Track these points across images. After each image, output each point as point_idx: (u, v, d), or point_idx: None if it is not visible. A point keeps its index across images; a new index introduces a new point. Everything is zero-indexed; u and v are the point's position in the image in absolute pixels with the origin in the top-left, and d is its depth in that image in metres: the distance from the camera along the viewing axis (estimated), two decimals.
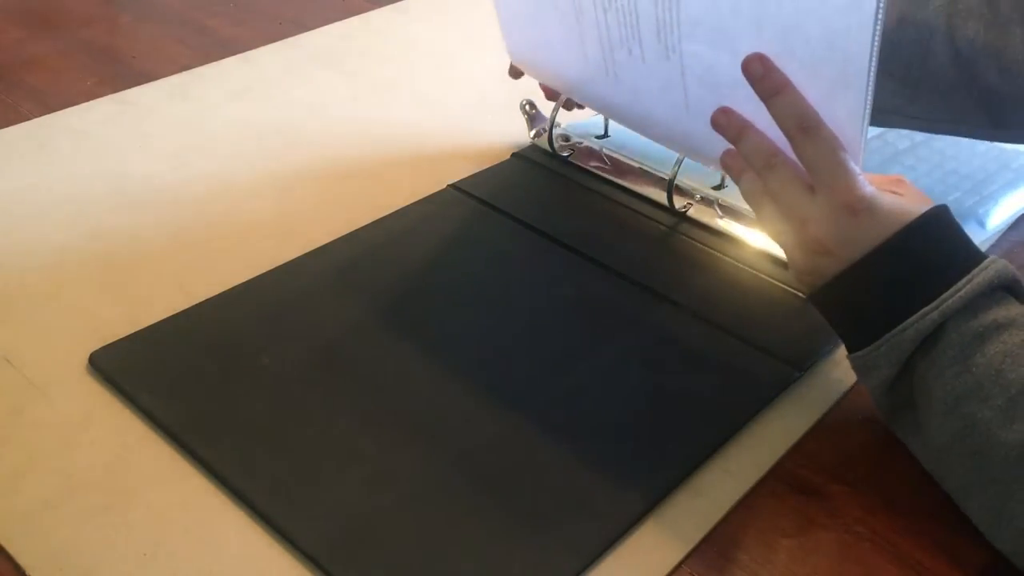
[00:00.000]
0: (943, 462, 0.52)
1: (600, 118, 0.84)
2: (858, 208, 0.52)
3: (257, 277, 0.67)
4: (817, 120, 0.53)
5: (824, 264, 0.54)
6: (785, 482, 0.55)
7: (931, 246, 0.52)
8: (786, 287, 0.68)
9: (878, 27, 0.49)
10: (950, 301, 0.50)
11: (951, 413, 0.50)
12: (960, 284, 0.51)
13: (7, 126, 0.85)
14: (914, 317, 0.51)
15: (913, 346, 0.51)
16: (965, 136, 0.71)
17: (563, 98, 0.79)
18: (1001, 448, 0.48)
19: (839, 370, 0.62)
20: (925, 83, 0.67)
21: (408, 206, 0.76)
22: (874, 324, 0.53)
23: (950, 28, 0.65)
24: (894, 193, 0.54)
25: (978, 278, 0.51)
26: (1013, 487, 0.48)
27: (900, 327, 0.51)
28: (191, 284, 0.67)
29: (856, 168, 0.53)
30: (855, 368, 0.55)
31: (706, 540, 0.52)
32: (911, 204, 0.53)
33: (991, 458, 0.49)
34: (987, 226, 0.74)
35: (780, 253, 0.70)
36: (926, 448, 0.53)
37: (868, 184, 0.53)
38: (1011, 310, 0.51)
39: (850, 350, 0.55)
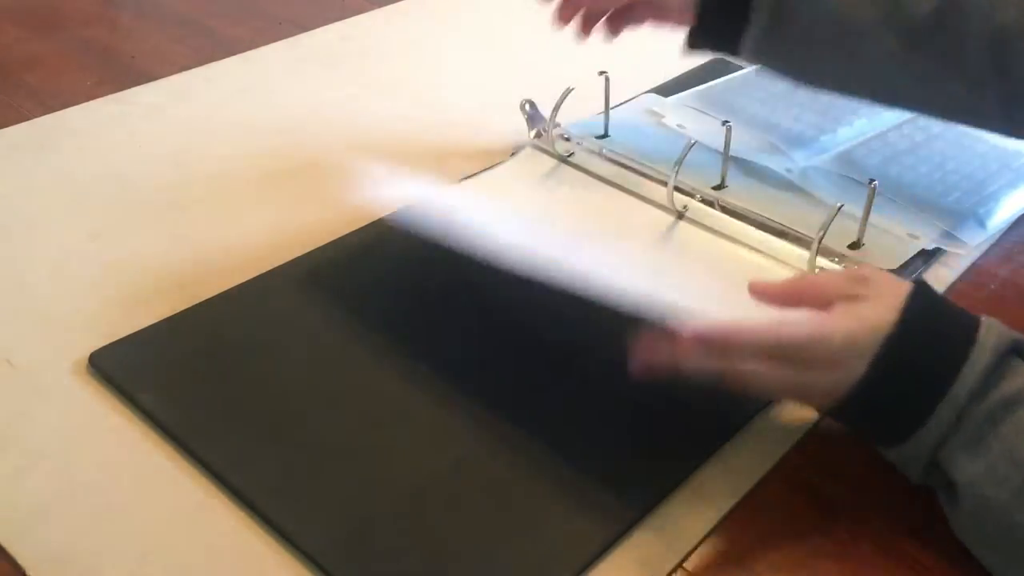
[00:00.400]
0: (971, 542, 0.51)
1: (600, 118, 0.84)
2: (836, 362, 0.51)
3: (257, 277, 0.67)
4: (737, 337, 0.52)
5: (826, 403, 0.53)
6: (785, 482, 0.55)
7: (916, 350, 0.50)
8: None
9: None
10: (960, 397, 0.49)
11: (968, 495, 0.49)
12: (964, 374, 0.49)
13: (7, 126, 0.85)
14: (930, 423, 0.49)
15: (936, 443, 0.50)
16: (985, 130, 0.71)
17: (563, 98, 0.79)
18: (1020, 531, 0.47)
19: None
20: (957, 70, 0.66)
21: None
22: (889, 433, 0.52)
23: (990, 11, 0.64)
24: (858, 298, 0.52)
25: (980, 362, 0.49)
26: None
27: (917, 434, 0.50)
28: (191, 284, 0.67)
29: (810, 330, 0.51)
30: (886, 459, 0.54)
31: (706, 540, 0.52)
32: (881, 310, 0.51)
33: (1010, 540, 0.47)
34: (987, 226, 0.74)
35: (778, 253, 0.71)
36: (956, 526, 0.51)
37: (831, 330, 0.51)
38: (1017, 379, 0.49)
39: (877, 446, 0.54)
